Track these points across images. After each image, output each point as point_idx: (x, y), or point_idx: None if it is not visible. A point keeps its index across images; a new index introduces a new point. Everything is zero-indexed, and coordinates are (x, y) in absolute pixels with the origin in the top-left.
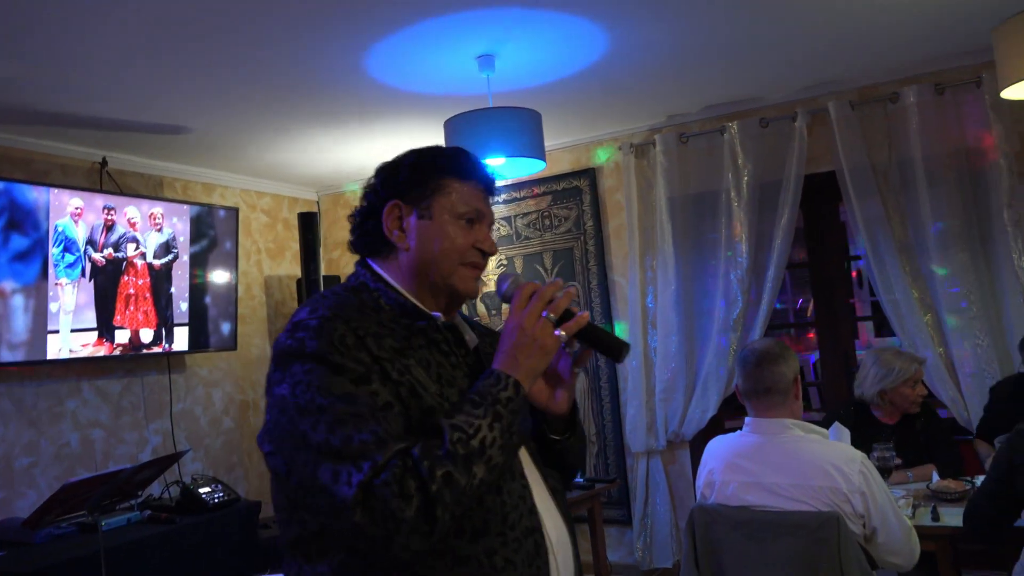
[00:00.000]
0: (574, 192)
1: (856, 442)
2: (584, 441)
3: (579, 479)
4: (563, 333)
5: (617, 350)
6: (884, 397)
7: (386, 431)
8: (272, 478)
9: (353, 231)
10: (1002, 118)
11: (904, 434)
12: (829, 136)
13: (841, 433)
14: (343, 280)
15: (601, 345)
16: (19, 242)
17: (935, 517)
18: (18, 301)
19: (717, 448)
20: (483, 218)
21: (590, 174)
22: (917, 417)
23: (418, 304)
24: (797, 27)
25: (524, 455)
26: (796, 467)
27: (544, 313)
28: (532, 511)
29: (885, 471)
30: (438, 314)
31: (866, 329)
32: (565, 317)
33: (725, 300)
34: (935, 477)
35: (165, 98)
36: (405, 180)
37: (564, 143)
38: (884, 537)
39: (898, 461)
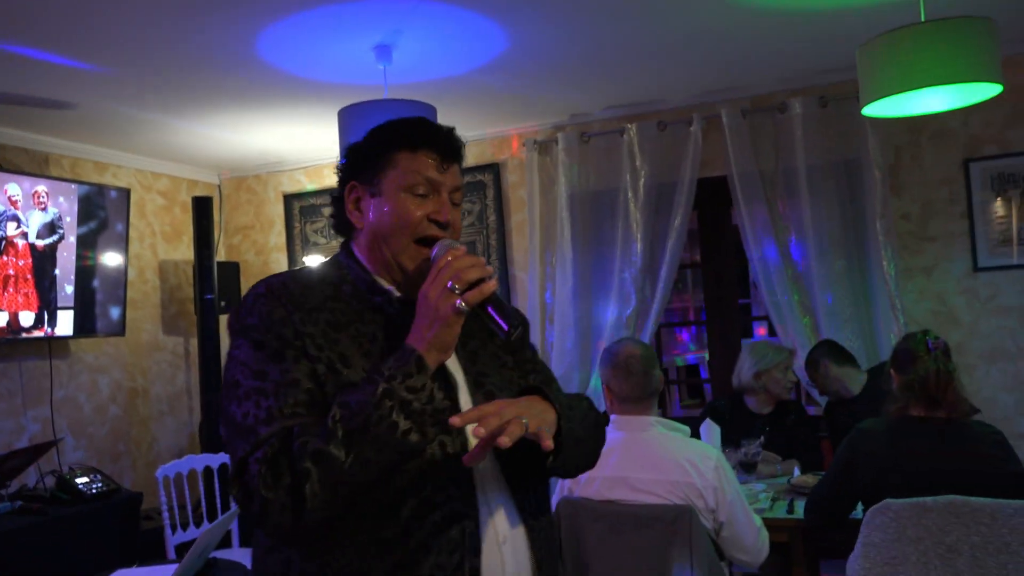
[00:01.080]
0: (478, 186)
1: (730, 432)
2: (577, 448)
3: None
4: (463, 304)
5: (513, 327)
6: (759, 380)
7: (280, 408)
8: None
9: (331, 215)
10: (878, 132)
11: (776, 426)
12: (722, 142)
13: (712, 430)
14: (240, 267)
15: (502, 315)
16: None
17: (790, 510)
18: None
19: None
20: (438, 188)
21: (494, 169)
22: (789, 412)
23: (377, 280)
24: (695, 34)
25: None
26: (656, 463)
27: (449, 284)
28: (468, 498)
29: (751, 465)
30: (391, 288)
31: (764, 329)
32: (472, 288)
33: (619, 298)
34: (796, 472)
35: (50, 71)
36: (359, 160)
37: (468, 137)
38: (729, 532)
39: (770, 455)
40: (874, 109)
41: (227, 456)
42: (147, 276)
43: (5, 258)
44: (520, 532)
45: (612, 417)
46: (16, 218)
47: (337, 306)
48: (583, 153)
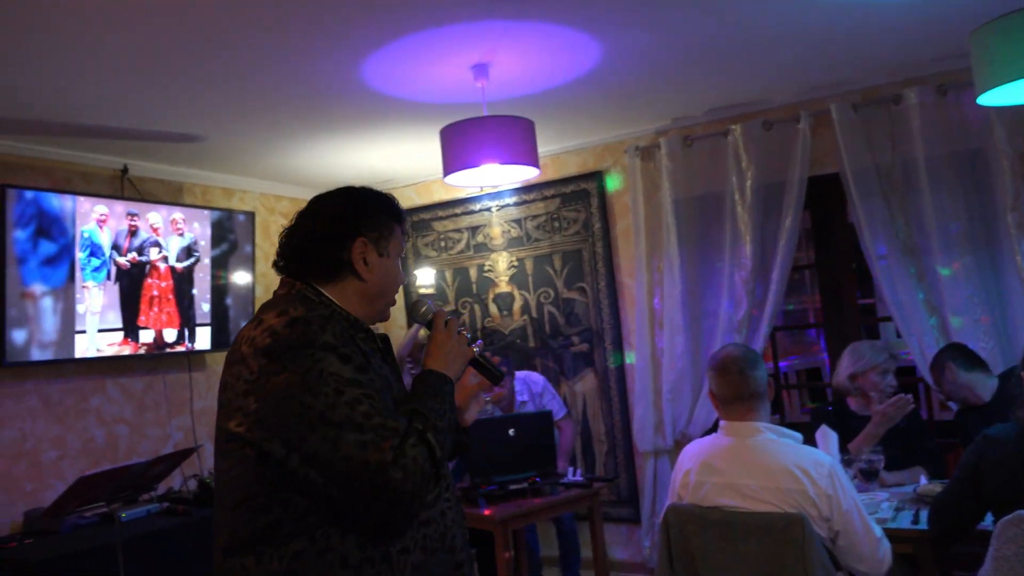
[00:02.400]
0: (582, 195)
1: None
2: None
3: (578, 478)
4: (476, 348)
5: (497, 374)
6: (854, 382)
7: (390, 409)
8: (246, 467)
9: (294, 255)
10: (1004, 120)
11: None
12: (833, 138)
13: (827, 436)
14: None
15: (489, 366)
16: (48, 247)
17: (915, 520)
18: (47, 303)
19: (693, 450)
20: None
21: (597, 177)
22: None
23: (359, 319)
24: (798, 29)
25: None
26: (766, 470)
27: (468, 335)
28: (450, 485)
29: (872, 473)
30: (377, 328)
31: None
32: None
33: (730, 301)
34: (922, 480)
35: (181, 108)
36: (369, 221)
37: (570, 146)
38: (846, 541)
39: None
40: (991, 98)
41: None
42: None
43: (150, 280)
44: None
45: (720, 423)
46: (158, 244)
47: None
48: (687, 157)
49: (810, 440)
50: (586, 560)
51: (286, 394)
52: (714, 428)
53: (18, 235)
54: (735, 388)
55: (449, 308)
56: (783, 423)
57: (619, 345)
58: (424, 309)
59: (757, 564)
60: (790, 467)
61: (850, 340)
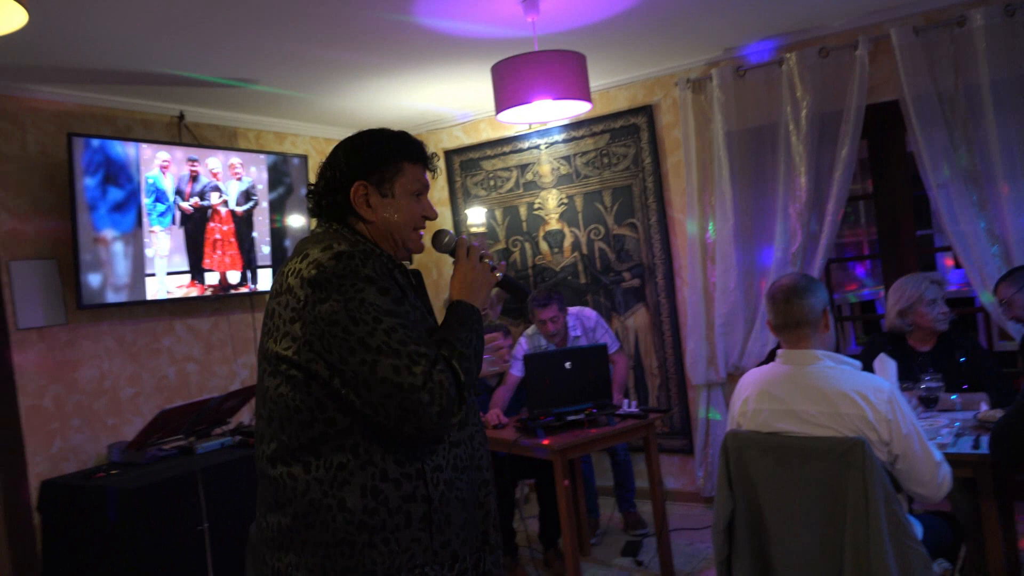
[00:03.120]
0: (632, 129)
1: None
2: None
3: (634, 408)
4: (499, 273)
5: (524, 291)
6: (905, 318)
7: (423, 337)
8: (294, 386)
9: (318, 199)
10: None
11: (942, 362)
12: (892, 64)
13: (885, 364)
14: None
15: (514, 286)
16: (116, 194)
17: (975, 445)
18: (118, 248)
19: (751, 378)
20: (426, 190)
21: (647, 111)
22: (955, 347)
23: (392, 255)
24: None
25: None
26: (825, 395)
27: (490, 262)
28: (479, 425)
29: (931, 400)
30: (408, 263)
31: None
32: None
33: (783, 235)
34: (983, 406)
35: (233, 53)
36: (368, 163)
37: (620, 80)
38: (905, 465)
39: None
40: None
41: None
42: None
43: (212, 224)
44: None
45: (778, 351)
46: (217, 188)
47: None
48: (739, 88)
49: (869, 369)
50: (641, 489)
51: (330, 320)
52: (771, 358)
53: (87, 182)
54: (783, 316)
55: (500, 246)
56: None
57: (671, 280)
58: (447, 239)
59: (817, 488)
60: (849, 392)
61: (910, 271)
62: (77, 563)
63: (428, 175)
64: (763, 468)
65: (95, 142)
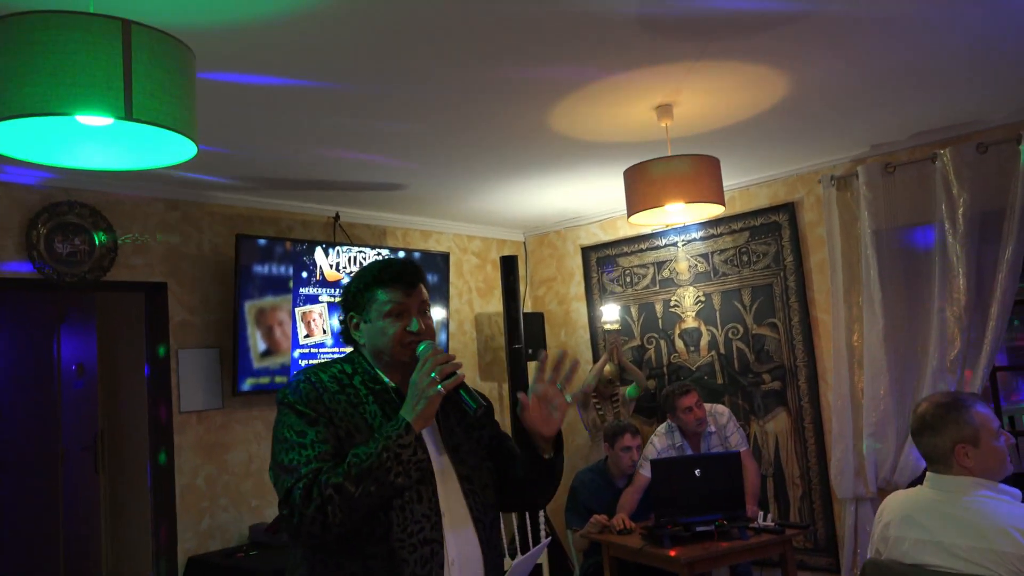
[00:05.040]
0: (772, 227)
1: None
2: (556, 477)
3: (769, 522)
4: (441, 388)
5: (480, 405)
6: None
7: (315, 456)
8: None
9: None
10: None
11: None
12: None
13: None
14: (544, 316)
15: (470, 397)
16: (275, 290)
17: None
18: (274, 339)
19: (895, 502)
20: (408, 308)
21: (789, 208)
22: None
23: (379, 374)
24: (1014, 43)
25: (453, 490)
26: (978, 529)
27: (432, 374)
28: (436, 527)
29: None
30: (388, 381)
31: None
32: (450, 377)
33: (940, 339)
34: None
35: (386, 161)
36: (350, 297)
37: (760, 178)
38: None
39: None
40: None
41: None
42: (465, 328)
43: None
44: (474, 551)
45: (927, 474)
46: None
47: (352, 391)
48: (888, 185)
49: None
50: None
51: (272, 438)
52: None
53: (251, 279)
54: (922, 448)
55: (634, 343)
56: (1011, 475)
57: (815, 383)
58: (421, 349)
59: None
60: (1007, 528)
61: None
62: None
63: (406, 294)
64: None
65: (260, 242)
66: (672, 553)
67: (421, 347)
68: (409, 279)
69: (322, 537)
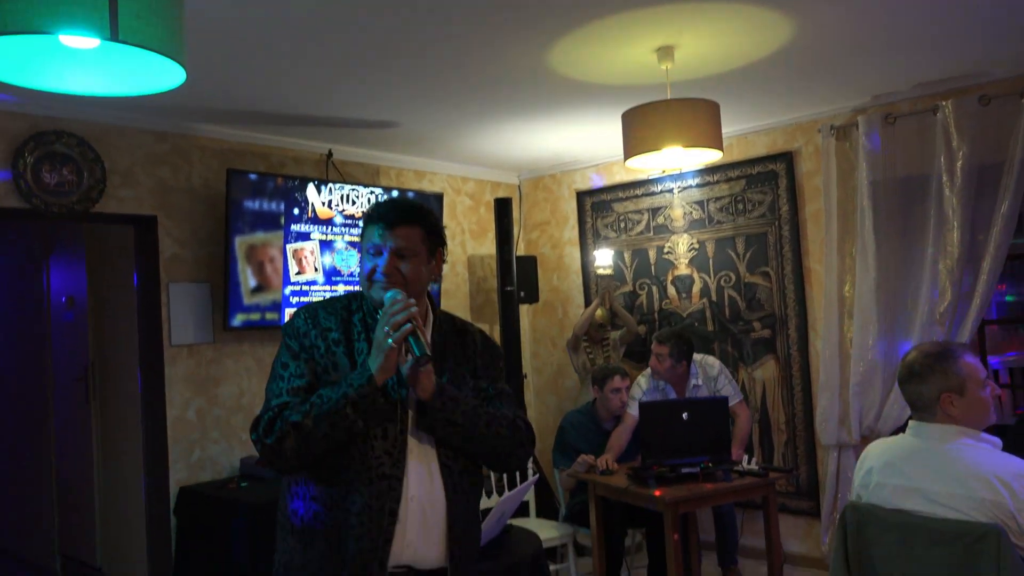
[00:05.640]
0: (769, 176)
1: None
2: (450, 427)
3: (754, 465)
4: (392, 342)
5: (420, 353)
6: None
7: (287, 390)
8: None
9: None
10: None
11: None
12: None
13: None
14: (537, 260)
15: (418, 346)
16: (265, 226)
17: None
18: (264, 274)
19: (878, 449)
20: (380, 249)
21: (787, 157)
22: None
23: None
24: None
25: (423, 437)
26: (958, 476)
27: (386, 328)
28: (397, 464)
29: None
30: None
31: None
32: (401, 329)
33: (931, 291)
34: None
35: (379, 98)
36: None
37: (758, 126)
38: None
39: None
40: None
41: None
42: (457, 270)
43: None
44: (438, 493)
45: (910, 423)
46: (357, 224)
47: (347, 327)
48: (888, 136)
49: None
50: (757, 549)
51: None
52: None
53: (241, 214)
54: (908, 396)
55: (626, 289)
56: (992, 425)
57: (804, 332)
58: (387, 297)
59: (942, 574)
60: (987, 476)
61: None
62: (205, 566)
63: (383, 235)
64: (883, 546)
65: (251, 176)
66: (657, 493)
67: (387, 295)
68: (390, 218)
69: (281, 466)
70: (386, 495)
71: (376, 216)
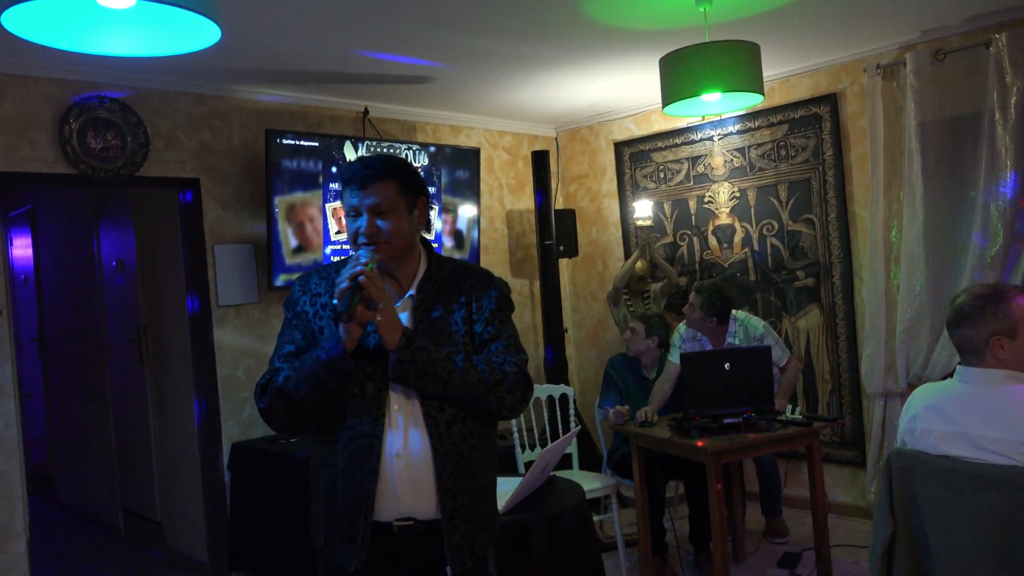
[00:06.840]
0: (813, 120)
1: None
2: (422, 377)
3: (797, 415)
4: (336, 302)
5: (341, 313)
6: None
7: (280, 356)
8: None
9: None
10: None
11: None
12: None
13: None
14: (576, 213)
15: (363, 301)
16: (306, 185)
17: None
18: (307, 233)
19: (923, 394)
20: (360, 210)
21: (831, 100)
22: None
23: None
24: None
25: (409, 393)
26: (1008, 421)
27: (335, 301)
28: (377, 422)
29: None
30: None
31: None
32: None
33: (982, 234)
34: None
35: (413, 52)
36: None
37: (801, 68)
38: None
39: None
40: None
41: (567, 387)
42: (496, 225)
43: None
44: (424, 446)
45: (958, 367)
46: None
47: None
48: (937, 74)
49: None
50: (802, 499)
51: None
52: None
53: (282, 174)
54: (956, 341)
55: (667, 240)
56: None
57: (849, 280)
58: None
59: (990, 522)
60: None
61: None
62: (259, 518)
63: (360, 195)
64: (929, 493)
65: (289, 136)
66: (699, 444)
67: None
68: (361, 177)
69: (276, 428)
70: (365, 452)
71: (349, 178)
